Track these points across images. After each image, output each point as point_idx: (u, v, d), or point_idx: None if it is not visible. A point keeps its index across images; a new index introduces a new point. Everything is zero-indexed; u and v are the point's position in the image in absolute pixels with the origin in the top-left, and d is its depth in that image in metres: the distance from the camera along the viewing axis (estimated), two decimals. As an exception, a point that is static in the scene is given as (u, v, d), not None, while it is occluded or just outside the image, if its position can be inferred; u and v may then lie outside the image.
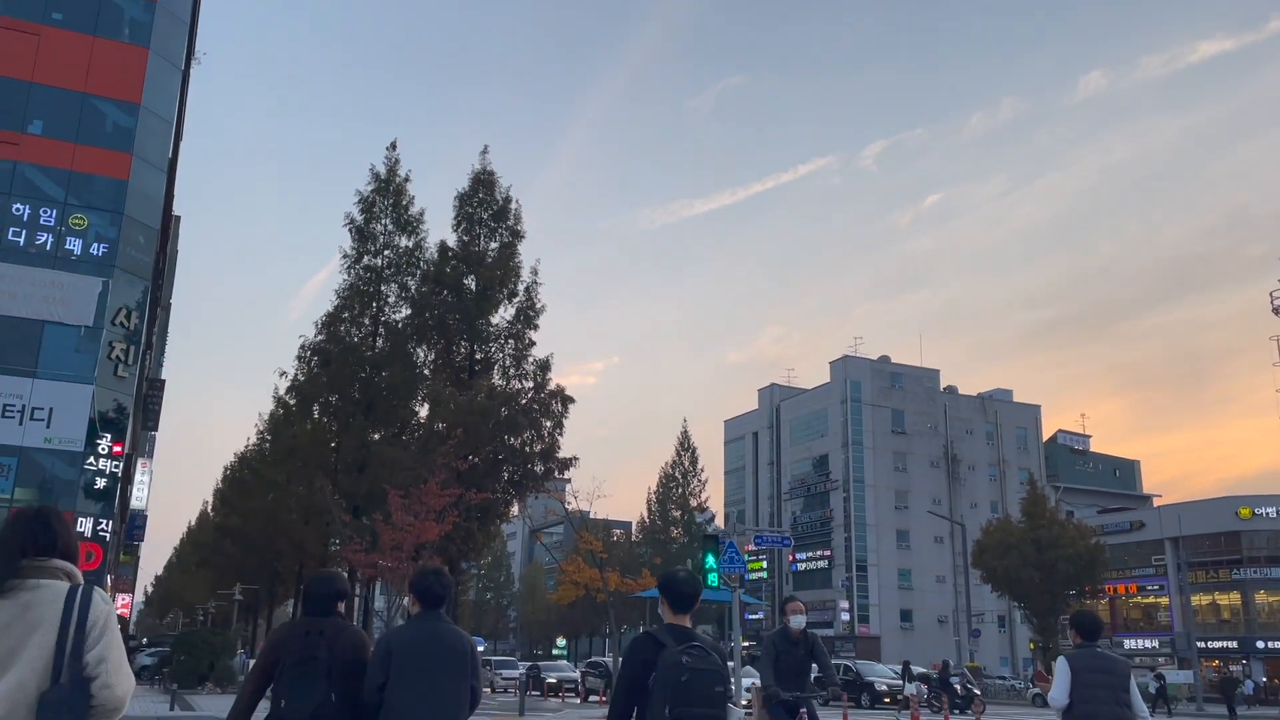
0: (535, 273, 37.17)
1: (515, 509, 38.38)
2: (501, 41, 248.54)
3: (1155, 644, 56.19)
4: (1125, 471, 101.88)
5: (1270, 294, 43.04)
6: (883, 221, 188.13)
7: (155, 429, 52.36)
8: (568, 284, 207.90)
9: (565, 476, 34.14)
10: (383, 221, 38.88)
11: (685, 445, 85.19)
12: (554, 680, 38.26)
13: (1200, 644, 53.24)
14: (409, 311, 37.48)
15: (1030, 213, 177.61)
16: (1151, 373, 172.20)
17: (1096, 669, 6.12)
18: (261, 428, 50.97)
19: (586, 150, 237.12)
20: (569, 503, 23.56)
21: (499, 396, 34.26)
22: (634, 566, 52.14)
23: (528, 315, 36.74)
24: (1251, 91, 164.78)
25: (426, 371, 36.82)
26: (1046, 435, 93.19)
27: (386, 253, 38.52)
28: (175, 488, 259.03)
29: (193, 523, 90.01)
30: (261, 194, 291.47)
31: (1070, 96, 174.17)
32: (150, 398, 46.39)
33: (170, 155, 36.60)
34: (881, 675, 32.12)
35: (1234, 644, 51.56)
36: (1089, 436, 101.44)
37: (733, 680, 26.98)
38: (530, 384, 36.06)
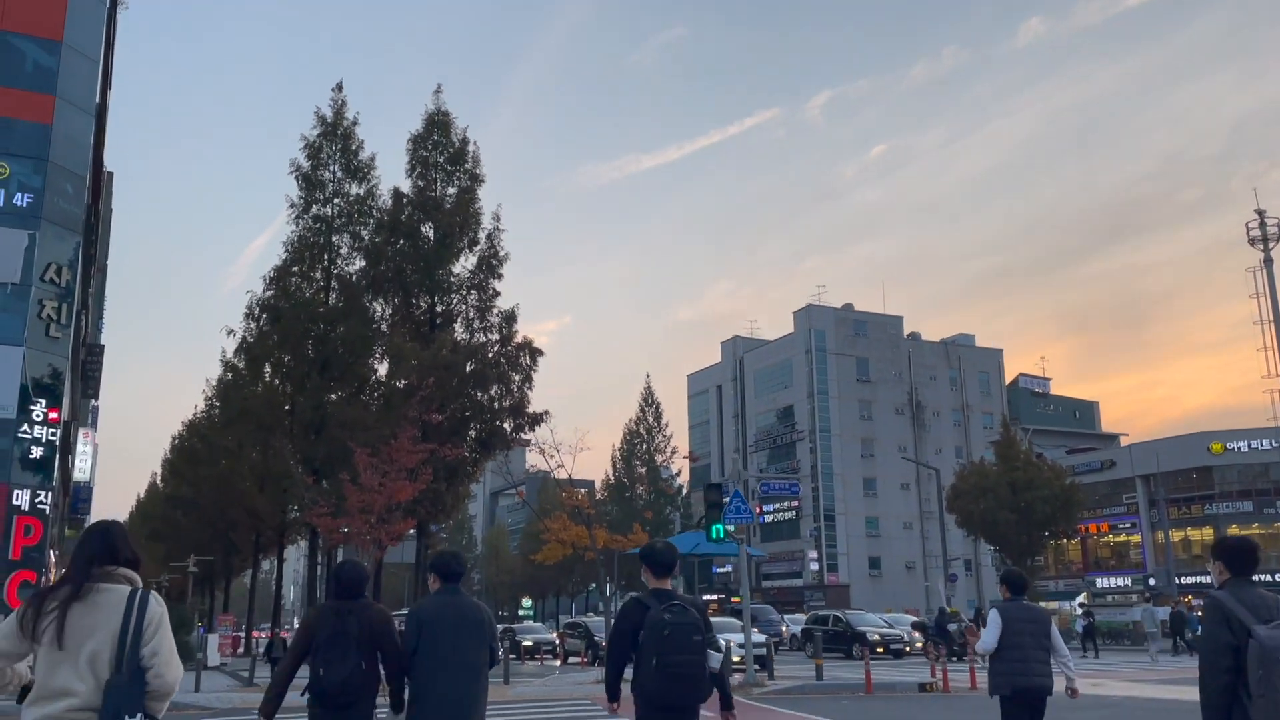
0: (497, 219, 35.24)
1: (483, 468, 36.66)
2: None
3: (1128, 581, 56.38)
4: (1085, 413, 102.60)
5: (1246, 225, 42.40)
6: (829, 173, 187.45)
7: (96, 397, 49.68)
8: (515, 243, 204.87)
9: (531, 435, 32.56)
10: (331, 168, 36.54)
11: (649, 401, 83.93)
12: (530, 643, 36.94)
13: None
14: (363, 263, 35.35)
15: (974, 161, 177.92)
16: (1097, 316, 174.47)
17: (1023, 619, 7.06)
18: (210, 394, 48.56)
19: (529, 106, 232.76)
20: (552, 458, 22.04)
21: (464, 350, 32.46)
22: (603, 525, 50.80)
23: (490, 264, 34.84)
24: (1184, 37, 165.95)
25: (384, 327, 34.81)
26: (1008, 379, 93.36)
27: (336, 201, 36.24)
28: (122, 460, 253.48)
29: (141, 494, 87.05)
30: (199, 149, 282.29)
31: (1010, 44, 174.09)
32: (89, 364, 43.77)
33: (98, 101, 33.81)
34: (872, 624, 31.19)
35: (1206, 579, 51.65)
36: (1049, 380, 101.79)
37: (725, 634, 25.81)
38: (496, 336, 34.25)
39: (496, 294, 34.73)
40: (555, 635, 41.01)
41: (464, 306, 34.67)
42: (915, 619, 37.44)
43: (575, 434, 30.88)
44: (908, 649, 30.35)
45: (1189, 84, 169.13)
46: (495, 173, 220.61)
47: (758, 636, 27.07)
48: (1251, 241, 42.44)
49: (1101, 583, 59.24)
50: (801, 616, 41.54)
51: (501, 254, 34.93)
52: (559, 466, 21.86)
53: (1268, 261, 41.92)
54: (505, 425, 33.32)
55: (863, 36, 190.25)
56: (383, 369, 34.68)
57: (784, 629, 33.83)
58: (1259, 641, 4.01)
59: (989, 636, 7.08)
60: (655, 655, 4.90)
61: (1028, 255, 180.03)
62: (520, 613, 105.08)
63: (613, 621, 5.74)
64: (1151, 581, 52.58)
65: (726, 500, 16.85)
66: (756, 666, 17.88)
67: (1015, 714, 7.10)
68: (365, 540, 20.89)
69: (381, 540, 20.83)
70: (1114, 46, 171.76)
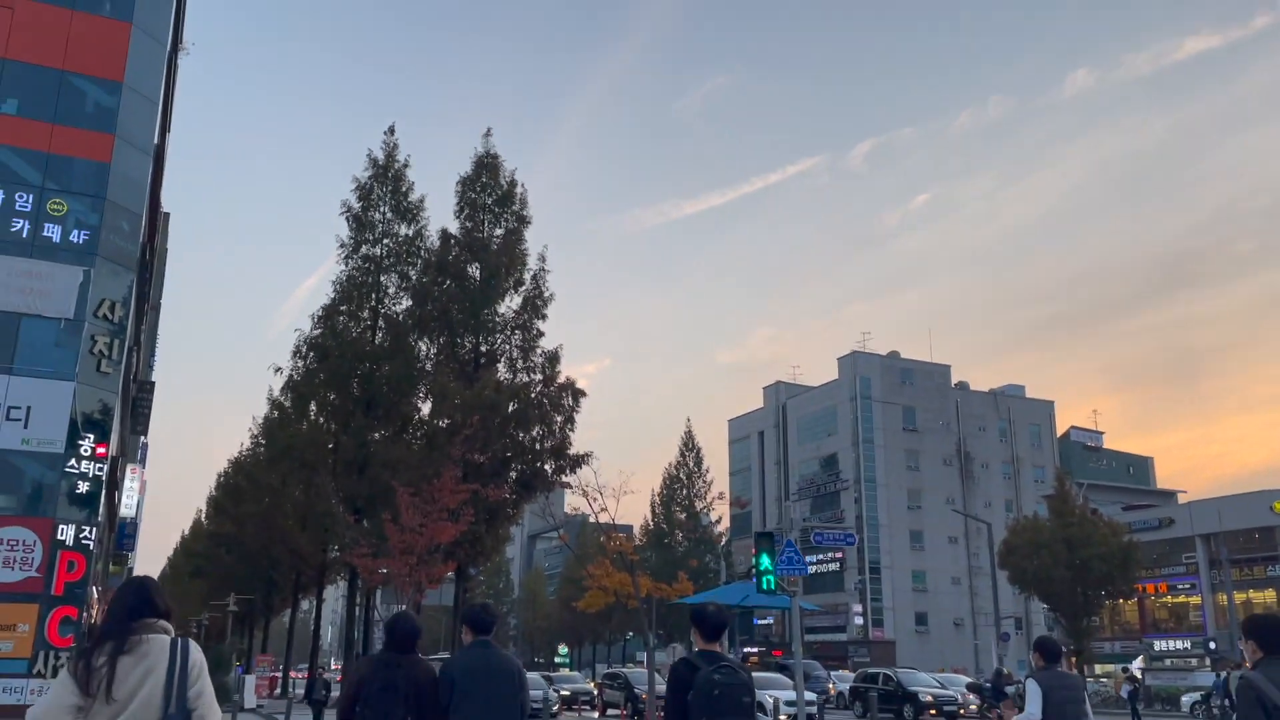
0: (543, 259, 35.21)
1: (523, 510, 36.24)
2: (491, 42, 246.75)
3: (1187, 645, 54.16)
4: (1139, 468, 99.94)
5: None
6: (872, 221, 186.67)
7: (145, 433, 50.18)
8: (557, 286, 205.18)
9: (573, 477, 32.12)
10: (381, 209, 36.86)
11: (689, 445, 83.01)
12: (568, 693, 36.16)
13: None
14: (410, 303, 35.45)
15: (1020, 210, 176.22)
16: (1149, 369, 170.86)
17: (1062, 686, 6.76)
18: (256, 431, 48.83)
19: (575, 152, 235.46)
20: (595, 500, 21.54)
21: (507, 390, 32.24)
22: (645, 572, 49.92)
23: (535, 305, 34.72)
24: (1238, 87, 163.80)
25: (429, 366, 34.75)
26: (1059, 432, 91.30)
27: (386, 241, 36.49)
28: (170, 497, 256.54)
29: (186, 532, 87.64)
30: (255, 191, 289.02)
31: (1057, 94, 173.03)
32: (140, 400, 44.21)
33: (157, 142, 34.46)
34: (925, 685, 29.99)
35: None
36: (1102, 433, 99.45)
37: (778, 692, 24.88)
38: (539, 376, 34.03)
39: (540, 334, 34.56)
40: (593, 685, 40.17)
41: (508, 346, 34.53)
42: (969, 680, 36.07)
43: (619, 476, 30.42)
44: (961, 711, 29.15)
45: (1241, 135, 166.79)
46: (540, 216, 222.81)
47: (808, 694, 26.21)
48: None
49: (1160, 645, 57.02)
50: (846, 673, 40.33)
51: (546, 295, 34.81)
52: (601, 510, 21.36)
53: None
54: (547, 466, 32.96)
55: (907, 85, 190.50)
56: (426, 408, 34.58)
57: (831, 686, 32.77)
58: None
59: (1032, 709, 6.70)
60: (705, 715, 5.06)
61: (1077, 306, 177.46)
62: (556, 660, 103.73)
63: (664, 684, 5.81)
64: (1212, 645, 50.43)
65: (778, 549, 16.22)
66: (807, 726, 17.07)
67: None
68: (405, 582, 20.49)
69: (421, 582, 20.43)
70: (1164, 97, 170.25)
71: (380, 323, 35.63)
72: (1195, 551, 56.07)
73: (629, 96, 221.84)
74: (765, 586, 15.72)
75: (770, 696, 24.34)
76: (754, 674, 28.03)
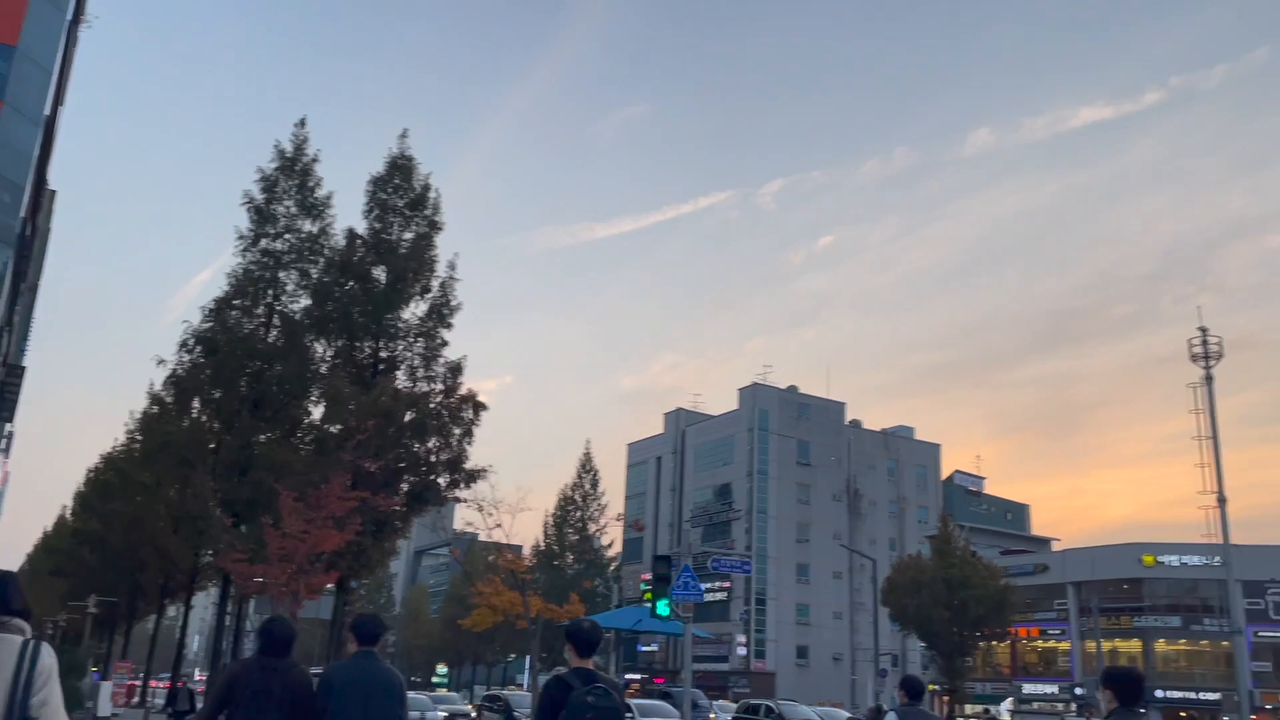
0: (453, 267, 34.39)
1: (412, 523, 35.21)
2: (412, 47, 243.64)
3: (1055, 689, 55.92)
4: (1017, 514, 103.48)
5: (1189, 341, 43.06)
6: (778, 258, 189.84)
7: (11, 420, 47.31)
8: (463, 298, 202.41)
9: (468, 492, 31.40)
10: (286, 203, 35.52)
11: (587, 467, 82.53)
12: (445, 714, 35.17)
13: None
14: (309, 302, 34.15)
15: (919, 258, 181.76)
16: (1029, 420, 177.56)
17: None
18: (133, 426, 46.41)
19: (489, 166, 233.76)
20: (490, 515, 20.99)
21: (405, 398, 31.31)
22: (536, 592, 49.13)
23: (441, 313, 33.87)
24: (1126, 158, 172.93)
25: (324, 369, 33.51)
26: (944, 474, 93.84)
27: (288, 236, 35.15)
28: (35, 490, 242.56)
29: (49, 528, 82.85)
30: (151, 179, 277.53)
31: (959, 150, 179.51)
32: (8, 386, 41.59)
33: (48, 113, 32.62)
34: (805, 718, 30.09)
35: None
36: (984, 478, 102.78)
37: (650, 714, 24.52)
38: (440, 387, 33.15)
39: (444, 344, 33.71)
40: (471, 706, 39.25)
41: (410, 354, 33.58)
42: (848, 715, 36.40)
43: (517, 493, 29.73)
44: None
45: (1125, 204, 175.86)
46: (450, 226, 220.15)
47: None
48: (1193, 358, 43.09)
49: (1029, 688, 58.74)
50: (727, 703, 40.29)
51: (454, 303, 34.02)
52: (496, 526, 20.82)
53: (1208, 379, 42.56)
54: (441, 479, 32.12)
55: (819, 129, 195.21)
56: (318, 412, 33.32)
57: (712, 716, 32.62)
58: None
59: None
60: None
61: (966, 355, 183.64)
62: (435, 679, 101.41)
63: (537, 700, 5.63)
64: (1079, 691, 52.17)
65: (675, 574, 15.94)
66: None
67: None
68: (282, 591, 19.51)
69: (299, 592, 19.48)
70: (1057, 162, 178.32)
71: (275, 320, 34.25)
72: (1067, 598, 58.06)
73: (547, 116, 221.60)
74: (660, 612, 15.41)
75: (652, 726, 23.97)
76: (638, 701, 27.71)
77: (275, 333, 33.94)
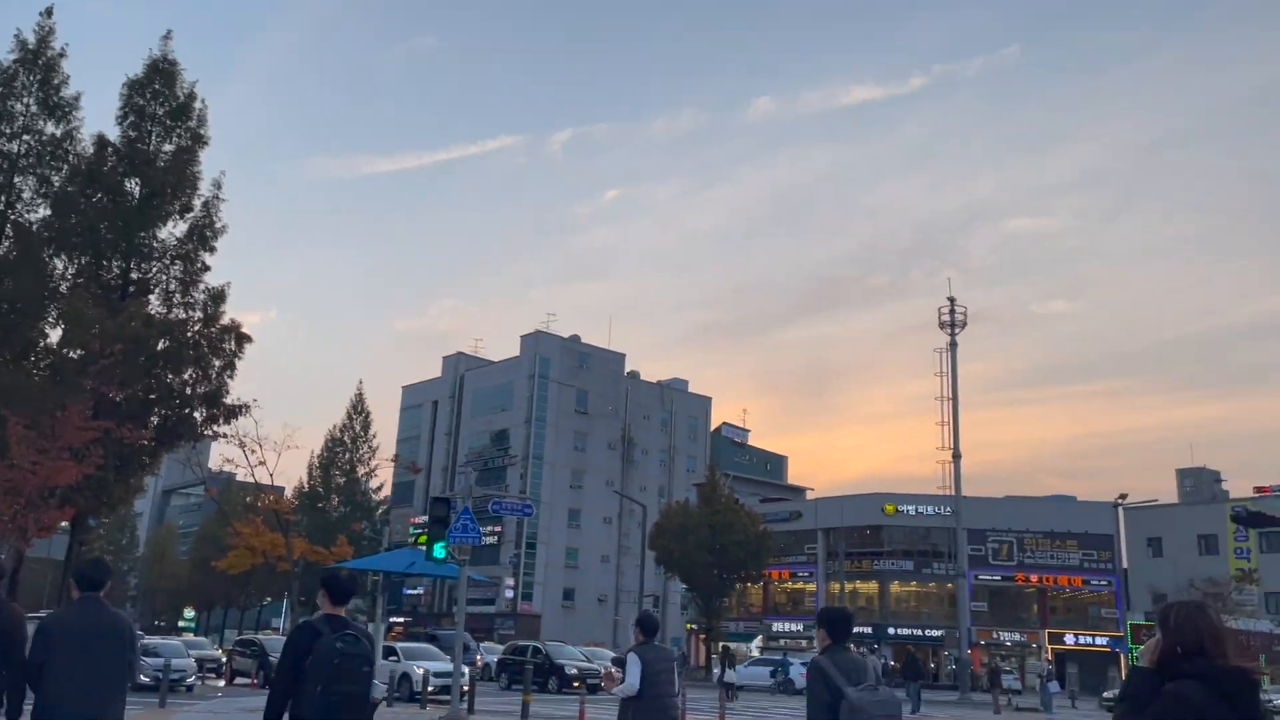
0: (219, 186, 31.96)
1: (162, 460, 32.81)
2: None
3: (800, 627, 59.85)
4: (775, 465, 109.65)
5: (939, 309, 46.73)
6: (564, 209, 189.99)
7: None
8: (226, 221, 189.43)
9: (225, 430, 29.63)
10: (25, 100, 31.64)
11: (358, 409, 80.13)
12: (193, 659, 33.32)
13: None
14: (49, 212, 30.79)
15: (700, 219, 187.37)
16: (788, 379, 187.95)
17: (660, 659, 7.50)
18: None
19: (259, 88, 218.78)
20: (254, 453, 19.78)
21: (159, 325, 28.95)
22: (301, 534, 47.18)
23: (204, 235, 31.44)
24: (892, 138, 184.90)
25: (64, 288, 30.41)
26: (713, 426, 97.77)
27: (26, 138, 31.37)
28: None
29: None
30: None
31: (743, 116, 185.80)
32: None
33: None
34: (571, 658, 30.65)
35: (869, 629, 56.06)
36: (749, 431, 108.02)
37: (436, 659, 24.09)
38: (199, 315, 30.89)
39: (206, 268, 31.39)
40: (222, 651, 37.42)
41: (165, 277, 31.07)
42: (615, 655, 37.41)
43: (283, 430, 28.18)
44: (604, 684, 30.00)
45: (888, 181, 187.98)
46: (217, 147, 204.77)
47: (449, 665, 25.83)
48: (941, 325, 46.81)
49: (777, 626, 62.62)
50: (493, 645, 40.54)
51: (218, 225, 31.66)
52: (260, 464, 19.68)
53: (953, 345, 46.37)
54: (197, 414, 30.09)
55: (611, 82, 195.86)
56: (56, 335, 30.26)
57: (479, 658, 32.64)
58: (849, 701, 4.97)
59: (632, 679, 7.39)
60: (321, 683, 4.97)
61: (738, 314, 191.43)
62: (181, 624, 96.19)
63: (283, 645, 5.58)
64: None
65: (454, 517, 15.61)
66: (464, 706, 16.61)
67: None
68: (8, 527, 17.59)
69: (28, 529, 17.67)
70: (831, 135, 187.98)
71: (8, 230, 30.68)
72: (816, 543, 62.18)
73: (328, 39, 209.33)
74: (436, 554, 15.08)
75: (419, 668, 23.66)
76: (404, 644, 27.30)
77: (7, 244, 30.42)
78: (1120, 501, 48.68)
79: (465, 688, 24.86)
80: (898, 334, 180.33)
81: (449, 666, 25.10)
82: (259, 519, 23.11)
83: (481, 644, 40.23)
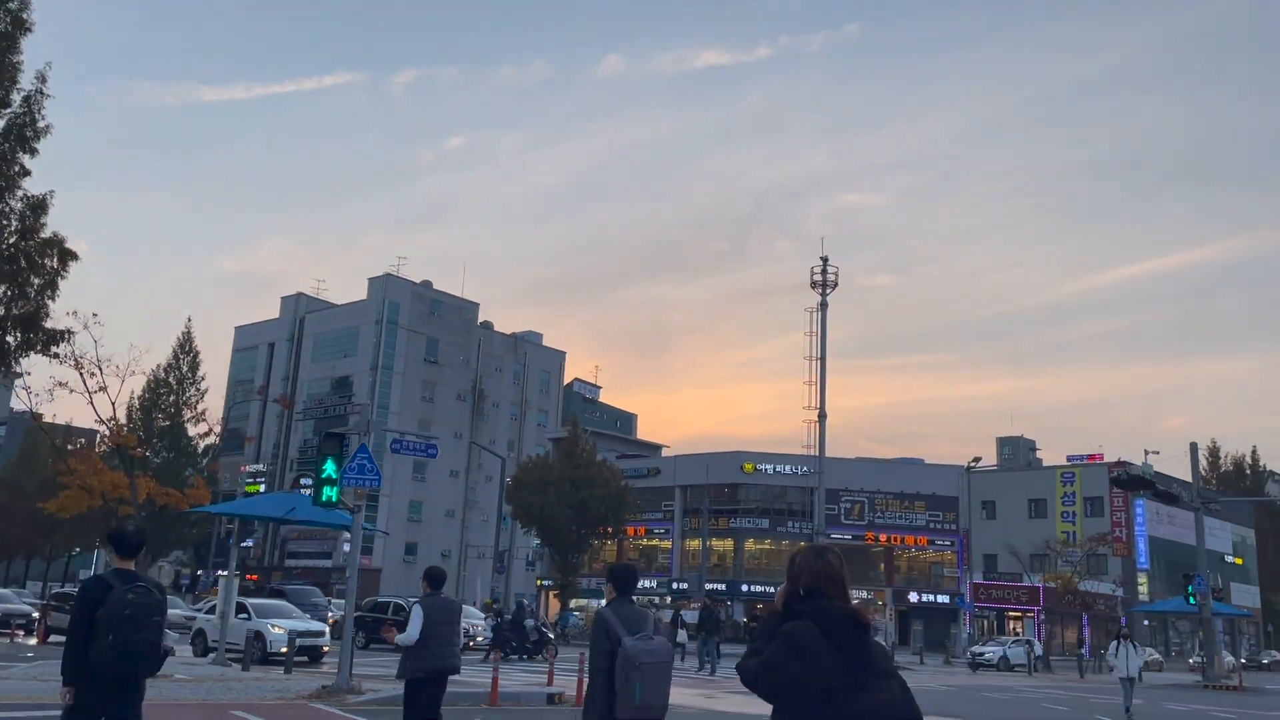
0: (43, 80, 27.57)
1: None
2: None
3: (654, 584, 59.54)
4: (625, 423, 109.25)
5: (811, 269, 46.68)
6: (406, 154, 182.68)
7: None
8: (50, 121, 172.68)
9: (47, 357, 25.95)
10: None
11: (186, 348, 74.12)
12: (-1, 614, 29.60)
13: (685, 585, 57.53)
14: None
15: (546, 173, 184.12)
16: (630, 338, 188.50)
17: (440, 610, 8.12)
18: None
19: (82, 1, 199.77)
20: (92, 376, 16.90)
21: (-36, 232, 24.94)
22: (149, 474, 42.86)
23: (24, 134, 27.16)
24: (737, 105, 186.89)
25: None
26: (565, 382, 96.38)
27: None
28: None
29: None
30: None
31: (593, 73, 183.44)
32: None
33: None
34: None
35: (723, 586, 56.23)
36: (600, 387, 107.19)
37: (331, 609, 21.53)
38: (15, 225, 26.87)
39: (26, 173, 27.18)
40: (27, 605, 33.49)
41: (-25, 179, 26.81)
42: (486, 613, 35.64)
43: (131, 352, 24.76)
44: (473, 642, 28.48)
45: (731, 148, 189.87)
46: (38, 48, 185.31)
47: (314, 624, 23.47)
48: (813, 285, 46.74)
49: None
50: (337, 600, 38.07)
51: (41, 125, 27.45)
52: (101, 389, 16.83)
53: (823, 306, 46.39)
54: (9, 339, 26.22)
55: (458, 24, 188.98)
56: None
57: (330, 615, 30.23)
58: (624, 648, 5.38)
59: (413, 630, 8.02)
60: (113, 632, 5.25)
61: (583, 271, 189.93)
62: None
63: (74, 601, 5.90)
64: (680, 586, 56.06)
65: (347, 450, 13.50)
66: (349, 673, 14.51)
67: (426, 690, 8.19)
68: None
69: None
70: (679, 99, 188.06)
71: None
72: (674, 500, 61.87)
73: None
74: (325, 499, 12.98)
75: (276, 627, 21.25)
76: (255, 600, 24.68)
77: None
78: (973, 465, 50.30)
79: (326, 648, 22.74)
80: (734, 299, 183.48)
81: (308, 625, 22.81)
82: (96, 456, 20.09)
83: (329, 600, 37.69)
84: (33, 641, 27.20)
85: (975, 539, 56.08)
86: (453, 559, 77.17)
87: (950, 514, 57.97)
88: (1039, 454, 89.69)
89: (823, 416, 45.43)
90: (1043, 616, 55.87)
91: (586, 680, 6.12)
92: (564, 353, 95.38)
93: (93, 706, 5.38)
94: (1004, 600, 57.74)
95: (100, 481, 16.80)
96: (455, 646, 8.28)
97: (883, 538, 58.10)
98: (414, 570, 76.19)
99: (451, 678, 8.63)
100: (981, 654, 41.02)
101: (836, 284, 46.84)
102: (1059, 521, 63.48)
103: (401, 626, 8.38)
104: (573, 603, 54.63)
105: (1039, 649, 42.92)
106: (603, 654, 5.55)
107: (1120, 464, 64.00)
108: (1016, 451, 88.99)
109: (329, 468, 12.94)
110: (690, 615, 37.07)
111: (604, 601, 5.97)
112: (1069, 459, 71.30)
